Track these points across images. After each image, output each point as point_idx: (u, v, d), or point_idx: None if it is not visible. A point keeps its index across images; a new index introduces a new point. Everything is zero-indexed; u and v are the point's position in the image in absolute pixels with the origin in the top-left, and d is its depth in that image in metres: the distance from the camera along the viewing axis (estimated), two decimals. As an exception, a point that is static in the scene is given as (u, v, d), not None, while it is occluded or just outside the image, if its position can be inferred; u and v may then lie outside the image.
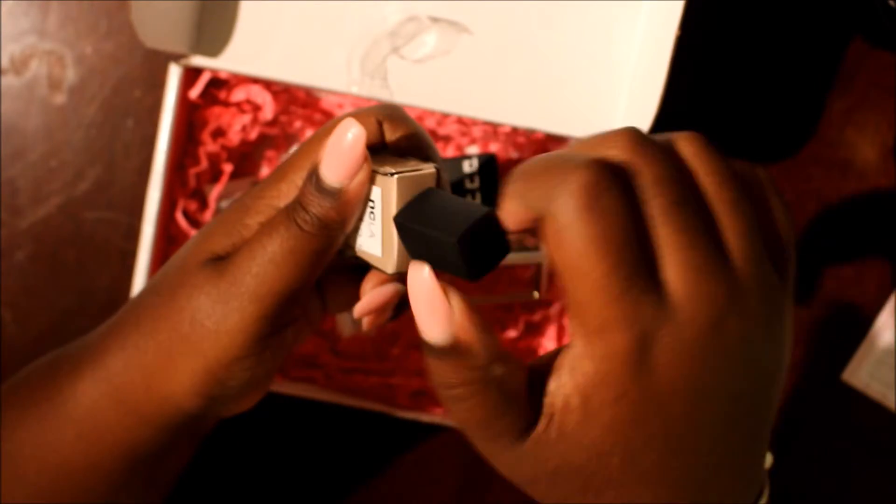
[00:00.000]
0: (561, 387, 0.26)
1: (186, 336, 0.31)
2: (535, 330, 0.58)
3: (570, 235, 0.25)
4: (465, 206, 0.28)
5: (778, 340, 0.28)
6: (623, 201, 0.25)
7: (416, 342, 0.57)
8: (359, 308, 0.34)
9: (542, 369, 0.27)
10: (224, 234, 0.32)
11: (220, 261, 0.31)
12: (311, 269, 0.31)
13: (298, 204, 0.30)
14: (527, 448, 0.27)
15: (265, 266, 0.30)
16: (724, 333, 0.26)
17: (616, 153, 0.27)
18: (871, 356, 0.60)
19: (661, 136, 0.28)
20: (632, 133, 0.27)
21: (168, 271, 0.33)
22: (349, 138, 0.29)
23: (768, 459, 0.31)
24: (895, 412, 0.60)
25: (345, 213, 0.30)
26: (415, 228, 0.29)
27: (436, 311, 0.26)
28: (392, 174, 0.29)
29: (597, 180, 0.25)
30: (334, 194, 0.29)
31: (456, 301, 0.26)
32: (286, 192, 0.31)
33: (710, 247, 0.26)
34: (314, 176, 0.30)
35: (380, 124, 0.32)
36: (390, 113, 0.32)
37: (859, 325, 0.60)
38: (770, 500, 0.31)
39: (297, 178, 0.31)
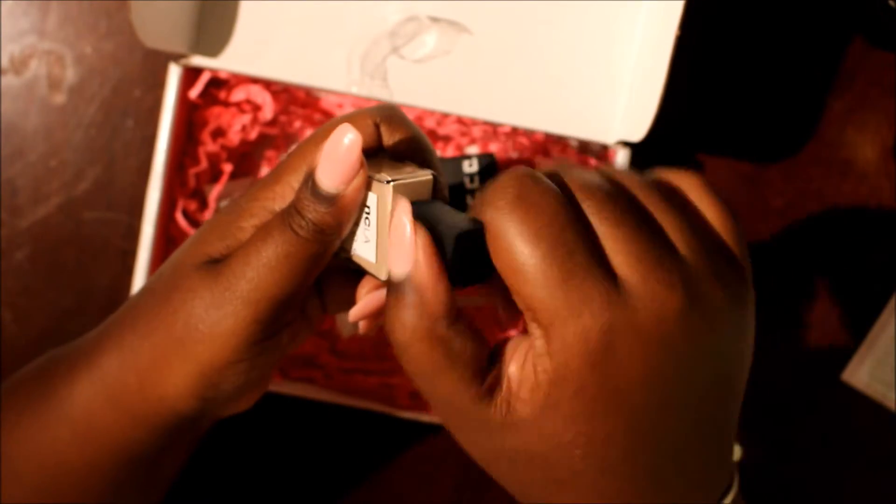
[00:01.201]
0: (521, 375, 0.27)
1: (180, 339, 0.31)
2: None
3: (504, 232, 0.26)
4: (461, 216, 0.29)
5: (739, 329, 0.28)
6: (551, 195, 0.26)
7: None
8: (353, 312, 0.34)
9: (509, 344, 0.28)
10: (219, 237, 0.32)
11: (214, 264, 0.31)
12: (305, 274, 0.31)
13: (294, 208, 0.30)
14: (482, 420, 0.27)
15: (260, 270, 0.30)
16: (682, 321, 0.26)
17: (544, 170, 0.28)
18: (871, 356, 0.60)
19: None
20: (554, 162, 0.29)
21: (163, 273, 0.33)
22: (345, 143, 0.29)
23: (737, 452, 0.31)
24: (895, 412, 0.60)
25: (340, 218, 0.30)
26: None
27: (404, 242, 0.27)
28: (388, 181, 0.29)
29: (522, 181, 0.26)
30: (330, 200, 0.29)
31: (422, 242, 0.27)
32: (281, 195, 0.31)
33: (654, 237, 0.26)
34: (310, 181, 0.30)
35: (377, 127, 0.32)
36: (388, 115, 0.32)
37: (859, 325, 0.60)
38: (740, 492, 0.31)
39: (293, 181, 0.31)
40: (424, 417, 0.55)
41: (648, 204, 0.28)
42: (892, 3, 0.57)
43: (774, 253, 0.60)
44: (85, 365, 0.33)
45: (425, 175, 0.30)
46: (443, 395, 0.27)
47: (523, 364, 0.27)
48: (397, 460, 0.60)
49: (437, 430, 0.55)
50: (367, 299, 0.34)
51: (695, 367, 0.27)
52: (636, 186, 0.28)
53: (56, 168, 0.57)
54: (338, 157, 0.29)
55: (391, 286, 0.27)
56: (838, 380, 0.60)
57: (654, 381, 0.26)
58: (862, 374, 0.60)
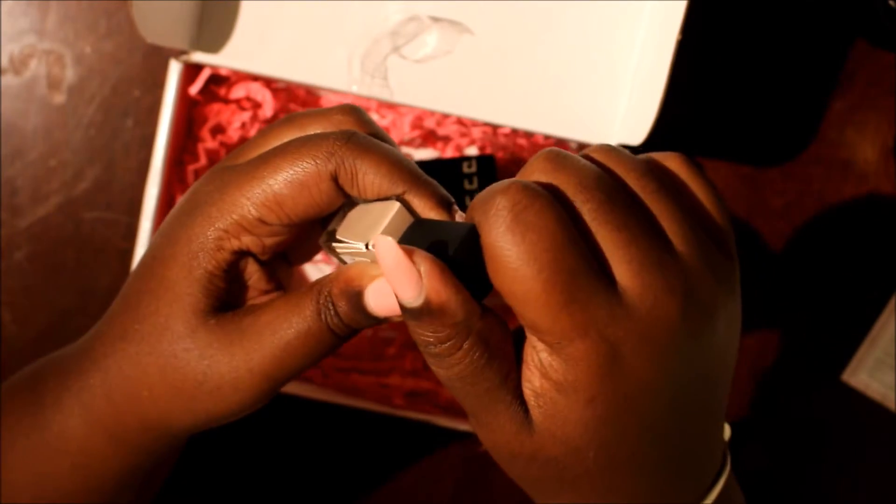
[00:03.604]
0: (531, 383, 0.27)
1: (181, 389, 0.31)
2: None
3: (503, 259, 0.25)
4: (455, 224, 0.28)
5: (732, 318, 0.28)
6: (548, 213, 0.25)
7: (411, 343, 0.57)
8: (381, 308, 0.32)
9: (521, 341, 0.28)
10: (208, 256, 0.30)
11: (223, 316, 0.30)
12: (324, 355, 0.31)
13: (331, 306, 0.29)
14: (509, 419, 0.27)
15: (279, 349, 0.30)
16: (686, 320, 0.26)
17: (537, 175, 0.27)
18: (871, 356, 0.60)
19: (574, 153, 0.28)
20: (547, 153, 0.27)
21: (150, 296, 0.31)
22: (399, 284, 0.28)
23: (727, 431, 0.32)
24: (895, 412, 0.60)
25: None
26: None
27: (404, 276, 0.26)
28: (367, 247, 0.28)
29: (516, 199, 0.25)
30: (374, 318, 0.29)
31: (424, 264, 0.26)
32: (265, 201, 0.30)
33: (653, 238, 0.26)
34: (355, 298, 0.29)
35: (334, 180, 0.30)
36: (341, 159, 0.30)
37: (859, 325, 0.60)
38: (731, 470, 0.31)
39: (275, 185, 0.30)
40: (420, 417, 0.55)
41: (642, 192, 0.27)
42: (892, 3, 0.57)
43: (774, 253, 0.60)
44: (76, 397, 0.33)
45: (392, 208, 0.29)
46: (483, 387, 0.27)
47: (533, 373, 0.27)
48: (394, 460, 0.59)
49: (434, 430, 0.55)
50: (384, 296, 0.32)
51: (696, 362, 0.27)
52: (630, 172, 0.28)
53: (56, 168, 0.57)
54: (391, 296, 0.28)
55: (407, 310, 0.27)
56: (838, 380, 0.60)
57: (661, 382, 0.26)
58: (862, 374, 0.60)
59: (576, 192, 0.26)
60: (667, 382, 0.26)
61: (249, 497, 0.59)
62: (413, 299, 0.26)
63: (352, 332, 0.30)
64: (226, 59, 0.51)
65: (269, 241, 0.31)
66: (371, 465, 0.59)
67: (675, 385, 0.27)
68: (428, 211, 0.30)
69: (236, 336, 0.30)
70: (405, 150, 0.57)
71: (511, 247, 0.25)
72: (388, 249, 0.26)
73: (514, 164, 0.56)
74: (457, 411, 0.57)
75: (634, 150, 0.52)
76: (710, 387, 0.28)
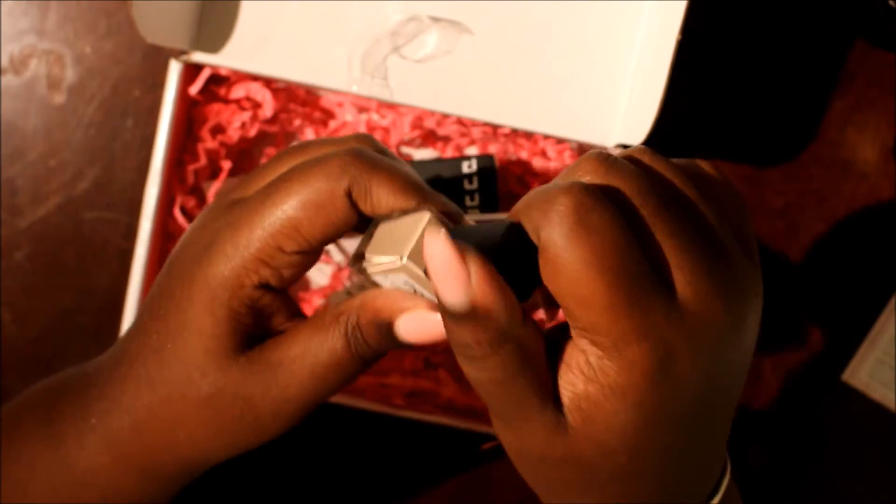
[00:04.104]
0: (573, 386, 0.26)
1: (211, 421, 0.31)
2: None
3: (564, 261, 0.25)
4: (490, 226, 0.27)
5: (756, 325, 0.29)
6: (610, 217, 0.25)
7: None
8: (416, 335, 0.31)
9: (555, 344, 0.27)
10: (229, 295, 0.30)
11: (252, 353, 0.30)
12: (354, 379, 0.31)
13: (360, 336, 0.29)
14: (539, 422, 0.27)
15: (312, 380, 0.30)
16: (728, 328, 0.26)
17: (589, 177, 0.27)
18: (871, 356, 0.60)
19: (616, 153, 0.28)
20: (597, 155, 0.27)
21: (173, 339, 0.31)
22: (434, 319, 0.28)
23: None
24: (895, 412, 0.60)
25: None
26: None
27: (453, 276, 0.25)
28: (402, 260, 0.28)
29: (580, 201, 0.25)
30: (405, 344, 0.29)
31: (474, 265, 0.25)
32: (281, 229, 0.30)
33: (707, 243, 0.26)
34: (385, 328, 0.29)
35: (349, 197, 0.30)
36: (357, 175, 0.30)
37: (859, 325, 0.60)
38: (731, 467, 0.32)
39: (290, 209, 0.30)
40: (419, 417, 0.55)
41: (690, 197, 0.27)
42: (892, 3, 0.57)
43: (774, 253, 0.60)
44: (103, 437, 0.33)
45: (423, 219, 0.29)
46: (515, 397, 0.27)
47: (577, 377, 0.26)
48: (394, 460, 0.59)
49: (434, 430, 0.55)
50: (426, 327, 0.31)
51: (730, 369, 0.27)
52: (676, 177, 0.28)
53: (56, 168, 0.57)
54: (427, 324, 0.28)
55: (447, 311, 0.26)
56: (838, 380, 0.60)
57: (702, 388, 0.26)
58: (862, 374, 0.60)
59: (632, 196, 0.26)
60: (707, 389, 0.26)
61: (249, 497, 0.59)
62: (458, 301, 0.25)
63: (380, 356, 0.30)
64: (226, 59, 0.51)
65: (287, 272, 0.31)
66: (371, 465, 0.59)
67: (712, 391, 0.27)
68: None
69: (269, 371, 0.30)
70: (405, 150, 0.57)
71: (575, 248, 0.25)
72: (439, 247, 0.25)
73: (514, 164, 0.56)
74: (457, 411, 0.57)
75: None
76: (734, 393, 0.29)
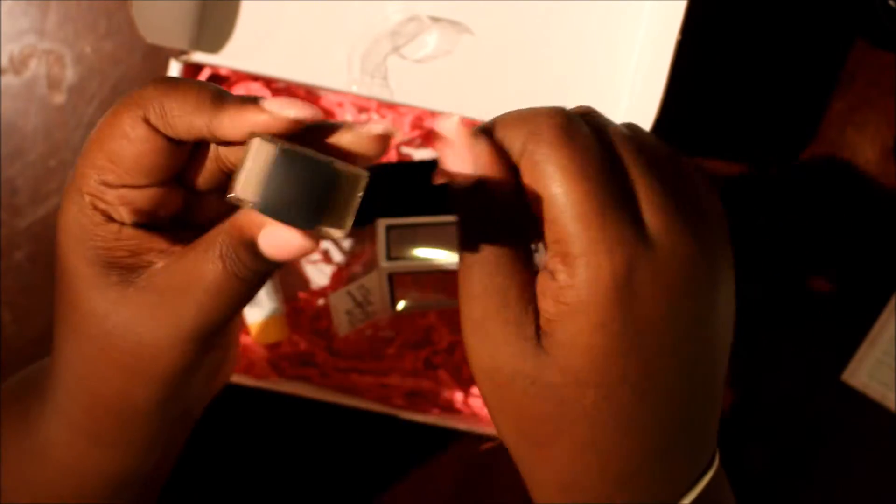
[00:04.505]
0: (547, 312, 0.27)
1: (129, 365, 0.31)
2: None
3: (549, 166, 0.27)
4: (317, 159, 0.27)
5: (731, 294, 0.30)
6: (593, 136, 0.27)
7: (411, 343, 0.57)
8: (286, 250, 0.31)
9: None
10: (86, 234, 0.30)
11: (137, 283, 0.30)
12: (243, 303, 0.30)
13: (234, 256, 0.29)
14: (513, 341, 0.28)
15: (200, 306, 0.30)
16: (699, 269, 0.27)
17: (557, 126, 0.28)
18: (871, 356, 0.60)
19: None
20: (560, 110, 0.29)
21: (65, 289, 0.31)
22: (290, 233, 0.28)
23: None
24: (895, 412, 0.60)
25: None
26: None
27: (463, 150, 0.28)
28: (232, 193, 0.26)
29: (569, 120, 0.28)
30: (273, 262, 0.29)
31: (481, 143, 0.28)
32: (101, 163, 0.30)
33: (678, 186, 0.28)
34: (251, 247, 0.29)
35: (147, 123, 0.29)
36: (148, 95, 0.29)
37: (859, 325, 0.60)
38: (721, 465, 0.31)
39: (104, 143, 0.30)
40: (419, 418, 0.55)
41: (653, 156, 0.29)
42: (892, 3, 0.57)
43: (774, 253, 0.60)
44: (53, 403, 0.33)
45: (252, 146, 0.26)
46: (497, 293, 0.28)
47: (548, 302, 0.27)
48: (393, 460, 0.59)
49: (434, 430, 0.55)
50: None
51: (704, 322, 0.28)
52: (647, 141, 0.29)
53: (56, 168, 0.57)
54: (283, 242, 0.28)
55: (458, 187, 0.28)
56: (838, 380, 0.60)
57: (669, 327, 0.27)
58: (862, 374, 0.60)
59: (614, 136, 0.28)
60: (675, 330, 0.27)
61: (249, 497, 0.59)
62: (470, 161, 0.28)
63: (261, 277, 0.30)
64: (226, 59, 0.51)
65: (139, 204, 0.30)
66: (371, 465, 0.59)
67: (683, 337, 0.27)
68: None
69: (156, 300, 0.30)
70: (405, 150, 0.57)
71: (560, 158, 0.27)
72: (453, 126, 0.28)
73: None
74: (457, 411, 0.57)
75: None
76: (714, 357, 0.29)
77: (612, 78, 0.53)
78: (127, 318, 0.30)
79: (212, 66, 0.52)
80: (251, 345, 0.56)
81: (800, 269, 0.60)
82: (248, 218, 0.29)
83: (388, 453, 0.59)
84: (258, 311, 0.55)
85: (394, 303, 0.55)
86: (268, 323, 0.55)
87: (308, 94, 0.55)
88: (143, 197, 0.30)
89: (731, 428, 0.58)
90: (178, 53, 0.50)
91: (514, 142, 0.28)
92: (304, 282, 0.57)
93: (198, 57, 0.51)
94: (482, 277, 0.28)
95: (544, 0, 0.52)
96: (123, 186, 0.30)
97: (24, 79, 0.57)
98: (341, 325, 0.55)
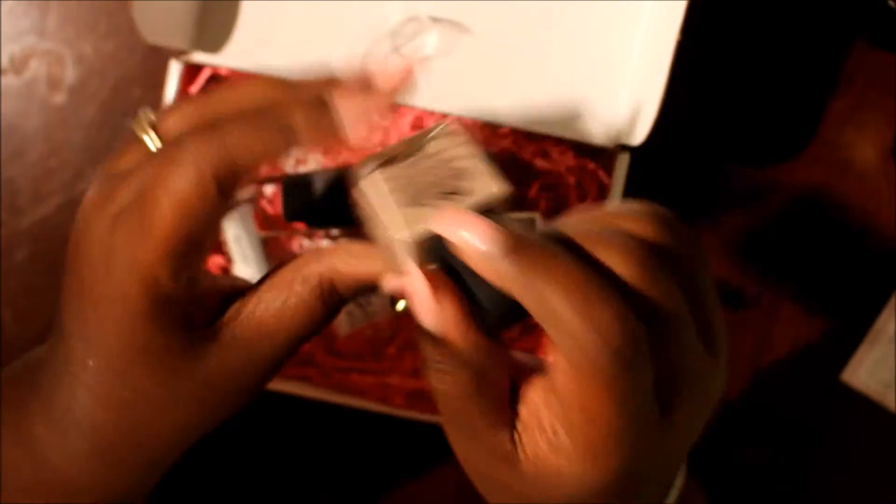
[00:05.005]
0: (532, 438, 0.27)
1: (202, 405, 0.31)
2: (535, 329, 0.58)
3: (600, 384, 0.25)
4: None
5: (723, 377, 0.30)
6: (650, 358, 0.26)
7: (411, 343, 0.57)
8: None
9: (520, 392, 0.28)
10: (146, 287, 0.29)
11: (209, 328, 0.30)
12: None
13: (336, 295, 0.30)
14: (488, 451, 0.28)
15: (286, 337, 0.31)
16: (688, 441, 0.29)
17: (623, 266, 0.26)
18: (871, 356, 0.60)
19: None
20: (646, 254, 0.26)
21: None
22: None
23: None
24: (895, 412, 0.60)
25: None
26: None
27: (426, 307, 0.27)
28: (398, 238, 0.27)
29: (635, 338, 0.25)
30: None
31: (448, 303, 0.26)
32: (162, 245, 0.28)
33: (700, 326, 0.27)
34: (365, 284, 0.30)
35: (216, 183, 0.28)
36: (212, 156, 0.28)
37: (859, 325, 0.60)
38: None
39: (160, 223, 0.28)
40: (420, 417, 0.55)
41: (682, 265, 0.27)
42: (891, 3, 0.57)
43: (774, 253, 0.60)
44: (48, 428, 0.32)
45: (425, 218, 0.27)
46: (469, 418, 0.28)
47: (538, 431, 0.27)
48: (395, 460, 0.59)
49: (434, 430, 0.55)
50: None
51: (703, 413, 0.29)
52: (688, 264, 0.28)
53: (56, 168, 0.57)
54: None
55: (420, 327, 0.27)
56: (838, 380, 0.60)
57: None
58: (861, 374, 0.60)
59: (661, 300, 0.27)
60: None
61: (249, 497, 0.59)
62: (429, 326, 0.27)
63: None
64: (226, 58, 0.51)
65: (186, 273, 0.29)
66: (371, 465, 0.59)
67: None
68: None
69: (236, 340, 0.30)
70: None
71: (614, 382, 0.25)
72: (418, 280, 0.26)
73: (514, 164, 0.56)
74: (457, 411, 0.57)
75: (635, 150, 0.52)
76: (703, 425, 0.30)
77: (612, 78, 0.53)
78: (210, 364, 0.30)
79: (212, 66, 0.52)
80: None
81: (800, 269, 0.60)
82: (371, 265, 0.29)
83: (388, 453, 0.59)
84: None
85: (394, 303, 0.55)
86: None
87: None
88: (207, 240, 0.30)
89: (731, 428, 0.58)
90: (178, 53, 0.50)
91: (562, 314, 0.25)
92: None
93: (198, 57, 0.51)
94: (448, 403, 0.28)
95: (544, 0, 0.52)
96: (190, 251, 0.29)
97: (25, 79, 0.57)
98: (341, 325, 0.55)
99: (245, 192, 0.55)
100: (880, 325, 0.60)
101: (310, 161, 0.56)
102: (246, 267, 0.54)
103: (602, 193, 0.54)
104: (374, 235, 0.29)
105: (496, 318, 0.27)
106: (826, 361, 0.61)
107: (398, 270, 0.28)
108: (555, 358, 0.26)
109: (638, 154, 0.52)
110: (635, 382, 0.25)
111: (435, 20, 0.53)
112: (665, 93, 0.48)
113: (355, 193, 0.29)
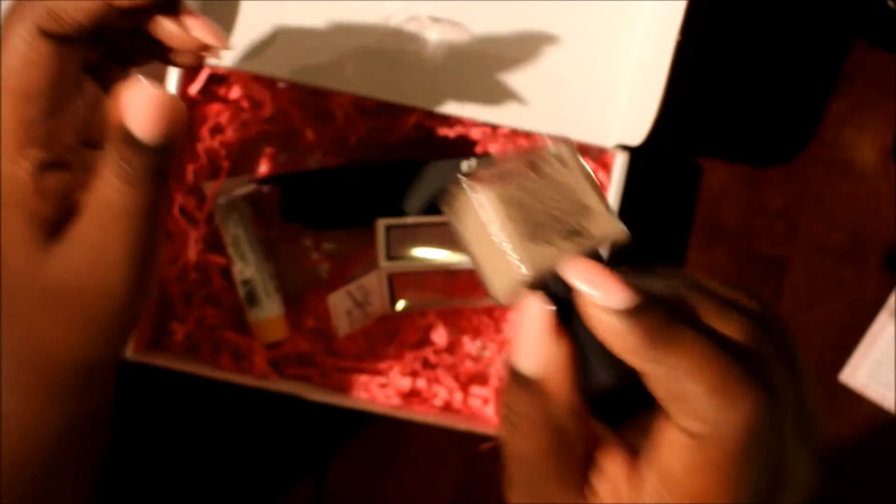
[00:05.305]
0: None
1: (71, 313, 0.30)
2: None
3: (724, 461, 0.25)
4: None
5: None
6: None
7: (410, 342, 0.57)
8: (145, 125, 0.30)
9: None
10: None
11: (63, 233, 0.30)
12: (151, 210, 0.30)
13: (120, 162, 0.29)
14: None
15: (118, 228, 0.30)
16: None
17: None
18: (870, 357, 0.60)
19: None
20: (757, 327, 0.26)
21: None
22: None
23: None
24: (894, 413, 0.60)
25: None
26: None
27: (534, 351, 0.25)
28: (522, 268, 0.26)
29: (767, 421, 0.25)
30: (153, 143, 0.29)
31: (560, 348, 0.25)
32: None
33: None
34: (129, 140, 0.29)
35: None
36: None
37: (858, 325, 0.60)
38: None
39: None
40: (418, 418, 0.55)
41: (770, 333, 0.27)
42: (891, 3, 0.57)
43: (773, 253, 0.60)
44: None
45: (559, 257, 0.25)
46: (539, 482, 0.26)
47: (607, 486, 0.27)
48: (393, 460, 0.59)
49: (434, 430, 0.55)
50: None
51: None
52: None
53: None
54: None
55: (515, 371, 0.26)
56: (837, 381, 0.60)
57: None
58: (860, 375, 0.60)
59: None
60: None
61: (249, 496, 0.59)
62: (528, 370, 0.25)
63: (164, 164, 0.30)
64: (225, 58, 0.51)
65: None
66: (368, 465, 0.59)
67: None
68: None
69: (82, 245, 0.30)
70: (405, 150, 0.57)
71: (739, 462, 0.25)
72: (537, 314, 0.25)
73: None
74: (457, 411, 0.57)
75: (634, 149, 0.52)
76: None
77: (612, 78, 0.53)
78: (63, 268, 0.30)
79: (212, 66, 0.52)
80: (251, 344, 0.55)
81: (799, 269, 0.61)
82: (113, 112, 0.29)
83: (388, 453, 0.59)
84: (258, 311, 0.55)
85: (393, 303, 0.55)
86: (268, 323, 0.55)
87: (308, 93, 0.55)
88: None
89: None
90: (177, 53, 0.50)
91: (696, 394, 0.24)
92: (304, 282, 0.57)
93: (197, 56, 0.50)
94: (520, 463, 0.27)
95: (544, 0, 0.52)
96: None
97: (24, 78, 0.56)
98: (341, 325, 0.55)
99: (242, 190, 0.55)
100: (879, 325, 0.60)
101: (310, 161, 0.56)
102: (245, 267, 0.54)
103: (602, 193, 0.54)
104: (467, 241, 0.27)
105: (601, 382, 0.26)
106: (825, 362, 0.61)
107: (501, 296, 0.26)
108: (661, 436, 0.25)
109: (638, 154, 0.52)
110: (761, 463, 0.25)
111: (435, 20, 0.53)
112: (665, 93, 0.48)
113: (454, 190, 0.27)
